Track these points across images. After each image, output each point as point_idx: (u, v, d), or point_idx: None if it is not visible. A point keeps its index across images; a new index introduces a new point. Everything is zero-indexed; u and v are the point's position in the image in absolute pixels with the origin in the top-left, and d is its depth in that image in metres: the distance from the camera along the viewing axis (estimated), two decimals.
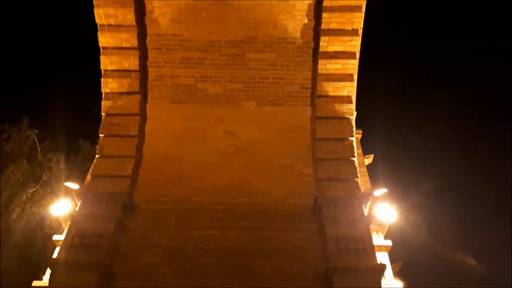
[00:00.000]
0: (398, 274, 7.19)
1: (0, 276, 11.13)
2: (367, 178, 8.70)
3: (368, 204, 7.30)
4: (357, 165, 7.78)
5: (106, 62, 8.27)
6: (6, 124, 15.01)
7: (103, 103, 8.25)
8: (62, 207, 7.86)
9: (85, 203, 7.22)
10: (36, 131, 15.14)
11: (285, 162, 8.00)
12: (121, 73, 8.26)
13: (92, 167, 8.01)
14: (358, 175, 7.62)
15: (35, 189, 13.76)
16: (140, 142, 8.08)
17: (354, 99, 8.32)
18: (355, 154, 7.90)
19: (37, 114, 16.24)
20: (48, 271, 6.90)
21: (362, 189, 7.68)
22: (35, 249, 12.77)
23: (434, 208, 18.85)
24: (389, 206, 7.58)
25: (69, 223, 7.13)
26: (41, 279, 7.21)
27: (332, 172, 7.62)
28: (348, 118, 8.16)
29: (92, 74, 8.69)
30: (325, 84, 8.20)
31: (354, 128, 8.19)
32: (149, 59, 8.44)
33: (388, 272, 6.91)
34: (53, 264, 6.51)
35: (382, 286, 6.25)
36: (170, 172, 7.89)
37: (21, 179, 13.65)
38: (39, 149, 14.88)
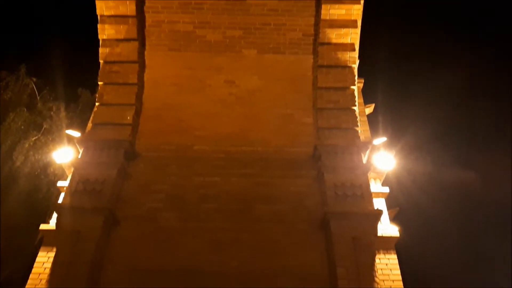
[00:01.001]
0: (394, 219, 7.42)
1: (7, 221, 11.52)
2: (367, 127, 8.71)
3: (367, 152, 7.38)
4: (357, 114, 7.78)
5: (102, 7, 8.02)
6: (3, 72, 14.80)
7: (100, 50, 8.10)
8: (64, 154, 7.94)
9: (87, 151, 7.30)
10: (34, 79, 14.97)
11: (285, 111, 7.99)
12: (117, 18, 8.04)
13: (92, 115, 8.02)
14: (359, 124, 7.65)
15: (36, 137, 13.84)
16: (139, 91, 8.03)
17: (357, 47, 8.15)
18: (356, 103, 7.87)
19: (33, 61, 15.97)
20: (55, 215, 7.11)
21: (362, 138, 7.73)
22: (40, 195, 13.08)
23: (432, 156, 19.05)
24: (388, 154, 7.67)
25: (72, 170, 7.26)
26: (48, 223, 7.44)
27: (333, 121, 7.63)
28: (351, 67, 8.04)
29: (90, 20, 8.41)
30: (328, 31, 8.00)
31: (356, 77, 8.10)
32: (146, 4, 8.17)
33: (385, 217, 7.12)
34: (58, 208, 6.71)
35: (378, 231, 6.48)
36: (171, 121, 7.91)
37: (22, 127, 13.69)
38: (38, 97, 14.80)
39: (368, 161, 7.39)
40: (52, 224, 7.07)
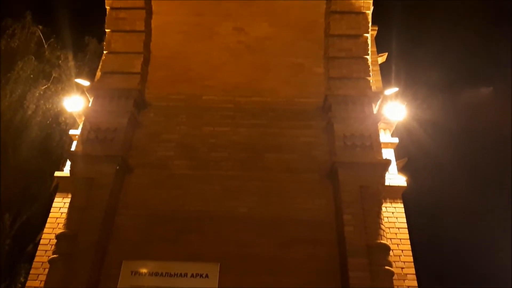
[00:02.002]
0: (402, 169, 7.47)
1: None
2: (379, 77, 8.53)
3: (378, 102, 7.29)
4: (370, 64, 7.60)
5: None
6: (9, 19, 14.54)
7: None
8: (75, 103, 7.99)
9: (97, 99, 7.32)
10: (40, 27, 14.72)
11: (296, 60, 7.82)
12: None
13: (101, 64, 7.96)
14: (370, 73, 7.49)
15: (46, 86, 13.83)
16: (147, 38, 7.87)
17: None
18: (369, 52, 7.66)
19: (38, 8, 15.61)
20: (68, 163, 7.28)
21: (373, 88, 7.60)
22: (53, 143, 13.30)
23: (444, 105, 18.77)
24: (399, 105, 7.57)
25: (83, 118, 7.33)
26: (62, 171, 7.64)
27: (344, 70, 7.48)
28: (365, 13, 7.74)
29: None
30: None
31: (370, 24, 7.82)
32: None
33: (393, 167, 7.17)
34: (72, 156, 6.85)
35: (386, 180, 6.55)
36: (179, 70, 7.82)
37: (31, 76, 13.66)
38: (45, 46, 14.62)
39: (378, 111, 7.32)
40: (66, 171, 7.27)
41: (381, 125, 7.36)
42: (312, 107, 7.42)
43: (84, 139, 6.91)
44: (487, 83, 20.79)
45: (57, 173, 7.59)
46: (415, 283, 6.20)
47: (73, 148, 7.45)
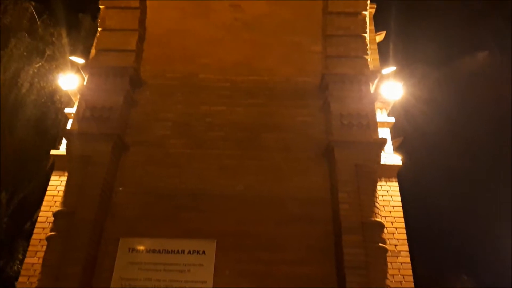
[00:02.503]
0: (397, 148, 7.51)
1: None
2: (377, 56, 8.45)
3: (376, 81, 7.26)
4: (367, 42, 7.53)
5: None
6: None
7: None
8: (70, 81, 7.90)
9: (92, 77, 7.25)
10: (33, 3, 14.39)
11: (293, 38, 7.73)
12: None
13: (95, 41, 7.85)
14: (368, 52, 7.43)
15: (40, 63, 13.63)
16: (142, 15, 7.74)
17: None
18: (367, 30, 7.59)
19: None
20: (64, 141, 7.26)
21: (371, 66, 7.55)
22: (49, 121, 13.21)
23: (441, 83, 18.71)
24: (396, 84, 7.54)
25: (78, 96, 7.27)
26: (58, 149, 7.62)
27: (342, 49, 7.42)
28: None
29: None
30: None
31: (368, 2, 7.72)
32: None
33: (389, 146, 7.20)
34: (67, 134, 6.83)
35: (382, 159, 6.60)
36: (175, 48, 7.73)
37: (25, 53, 13.44)
38: (38, 22, 14.34)
39: (375, 90, 7.30)
40: (62, 150, 7.25)
41: (377, 104, 7.35)
42: (309, 86, 7.39)
43: (79, 117, 6.88)
44: (484, 59, 20.66)
45: (53, 152, 7.58)
46: (408, 260, 6.32)
47: (68, 126, 7.41)
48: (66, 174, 6.68)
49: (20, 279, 6.29)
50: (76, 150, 6.56)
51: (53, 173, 7.27)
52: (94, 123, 6.78)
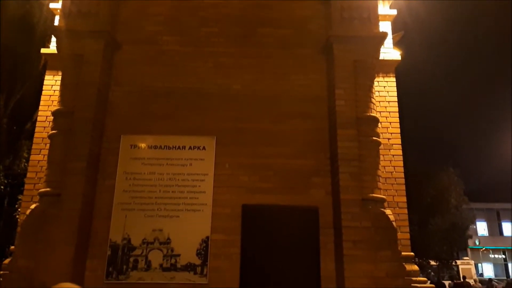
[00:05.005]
0: (397, 43, 7.31)
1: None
2: None
3: None
4: None
5: None
6: None
7: None
8: None
9: None
10: None
11: None
12: None
13: None
14: None
15: None
16: None
17: None
18: None
19: None
20: (54, 39, 7.01)
21: None
22: (34, 19, 12.55)
23: None
24: None
25: None
26: (48, 47, 7.37)
27: None
28: None
29: None
30: None
31: None
32: None
33: (388, 41, 6.99)
34: (56, 32, 6.57)
35: (380, 54, 6.47)
36: None
37: None
38: None
39: None
40: (53, 48, 7.03)
41: None
42: None
43: (66, 13, 6.54)
44: None
45: (43, 50, 7.35)
46: (400, 152, 6.57)
47: (56, 23, 7.07)
48: (60, 73, 6.58)
49: (28, 175, 6.57)
50: (67, 49, 6.38)
51: (47, 72, 7.14)
52: (83, 19, 6.48)
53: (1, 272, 5.59)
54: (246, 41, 6.72)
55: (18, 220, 6.46)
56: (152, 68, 6.59)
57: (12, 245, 5.87)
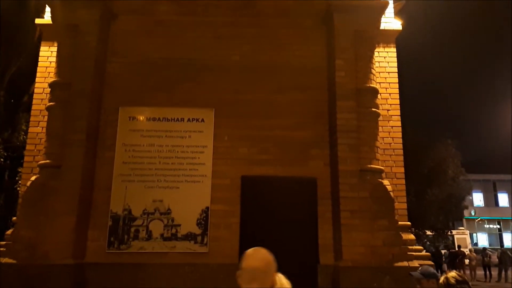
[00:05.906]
0: (398, 13, 7.17)
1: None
2: None
3: None
4: None
5: None
6: None
7: None
8: None
9: None
10: None
11: None
12: None
13: None
14: None
15: None
16: None
17: None
18: None
19: None
20: (48, 9, 6.85)
21: None
22: None
23: None
24: None
25: None
26: (43, 18, 7.22)
27: None
28: None
29: None
30: None
31: None
32: None
33: (389, 10, 6.86)
34: (50, 1, 6.42)
35: (381, 24, 6.36)
36: None
37: None
38: None
39: None
40: (47, 18, 6.89)
41: None
42: None
43: None
44: None
45: (38, 21, 7.21)
46: (399, 124, 6.56)
47: None
48: (55, 44, 6.48)
49: (27, 147, 6.57)
50: (62, 19, 6.26)
51: (42, 43, 7.02)
52: None
53: (4, 242, 5.69)
54: (245, 11, 6.59)
55: (19, 192, 6.51)
56: (149, 39, 6.49)
57: (14, 216, 5.95)
